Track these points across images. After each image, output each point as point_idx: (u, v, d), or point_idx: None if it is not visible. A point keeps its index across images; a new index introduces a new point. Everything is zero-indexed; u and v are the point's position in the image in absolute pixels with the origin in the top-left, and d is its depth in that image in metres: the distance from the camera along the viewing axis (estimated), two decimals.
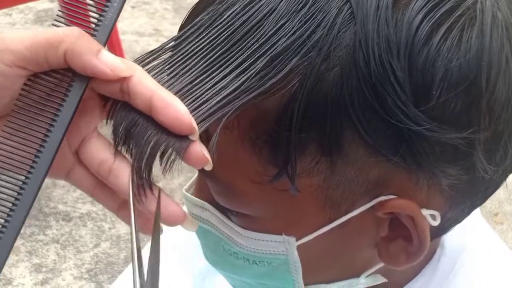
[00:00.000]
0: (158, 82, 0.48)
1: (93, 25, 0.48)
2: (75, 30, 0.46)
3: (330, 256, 0.58)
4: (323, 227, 0.55)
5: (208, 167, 0.48)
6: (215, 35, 0.50)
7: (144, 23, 3.43)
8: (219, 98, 0.48)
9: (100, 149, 0.49)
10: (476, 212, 0.68)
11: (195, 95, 0.48)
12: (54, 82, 0.47)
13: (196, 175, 0.62)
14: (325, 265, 0.59)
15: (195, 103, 0.48)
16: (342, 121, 0.49)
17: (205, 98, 0.48)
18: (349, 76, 0.48)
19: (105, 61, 0.46)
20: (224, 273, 0.66)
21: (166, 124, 0.46)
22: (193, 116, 0.47)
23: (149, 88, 0.46)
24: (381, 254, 0.57)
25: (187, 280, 0.82)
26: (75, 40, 0.45)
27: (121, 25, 3.13)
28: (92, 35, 0.48)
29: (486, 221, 0.72)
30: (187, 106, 0.47)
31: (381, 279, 0.61)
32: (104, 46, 0.47)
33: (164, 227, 0.50)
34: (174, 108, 0.46)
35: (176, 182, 2.47)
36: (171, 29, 3.50)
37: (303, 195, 0.53)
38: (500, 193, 2.49)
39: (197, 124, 0.47)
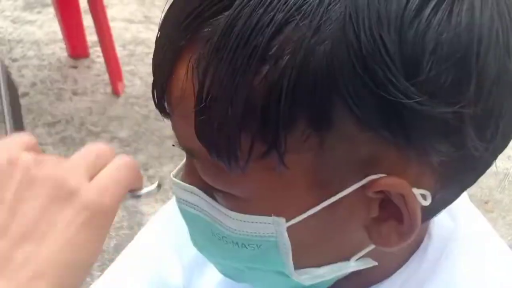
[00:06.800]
0: None
1: None
2: None
3: (320, 238, 0.58)
4: (313, 208, 0.54)
5: None
6: None
7: (135, 10, 3.41)
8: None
9: None
10: (465, 199, 0.68)
11: None
12: None
13: (184, 160, 0.61)
14: (315, 247, 0.59)
15: None
16: (332, 96, 0.49)
17: None
18: (339, 50, 0.48)
19: None
20: (213, 260, 0.65)
21: None
22: None
23: None
24: (371, 235, 0.57)
25: (177, 269, 0.81)
26: None
27: (110, 11, 3.11)
28: None
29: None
30: None
31: (371, 263, 0.60)
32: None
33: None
34: None
35: (166, 169, 2.46)
36: (162, 16, 3.47)
37: (292, 174, 0.52)
38: (490, 181, 2.50)
39: None
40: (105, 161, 0.51)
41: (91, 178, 0.50)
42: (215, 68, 0.50)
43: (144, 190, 0.55)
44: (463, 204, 0.67)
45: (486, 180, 2.42)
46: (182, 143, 0.57)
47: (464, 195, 0.64)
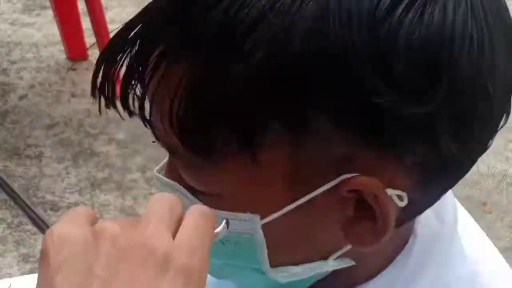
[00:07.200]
0: None
1: None
2: None
3: (296, 236, 0.58)
4: (288, 206, 0.55)
5: None
6: None
7: (133, 12, 3.39)
8: None
9: None
10: (452, 200, 0.68)
11: None
12: None
13: (167, 158, 0.62)
14: (291, 245, 0.59)
15: None
16: (304, 94, 0.49)
17: None
18: (311, 48, 0.48)
19: None
20: None
21: None
22: None
23: None
24: (347, 235, 0.57)
25: None
26: None
27: (109, 14, 3.11)
28: None
29: (475, 211, 0.72)
30: None
31: (349, 262, 0.60)
32: None
33: None
34: None
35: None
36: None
37: (266, 171, 0.53)
38: (489, 182, 2.49)
39: None
40: (179, 211, 0.49)
41: (173, 235, 0.47)
42: (191, 64, 0.51)
43: (216, 230, 0.52)
44: (450, 205, 0.67)
45: (485, 182, 2.42)
46: (161, 139, 0.57)
47: (450, 195, 0.64)
